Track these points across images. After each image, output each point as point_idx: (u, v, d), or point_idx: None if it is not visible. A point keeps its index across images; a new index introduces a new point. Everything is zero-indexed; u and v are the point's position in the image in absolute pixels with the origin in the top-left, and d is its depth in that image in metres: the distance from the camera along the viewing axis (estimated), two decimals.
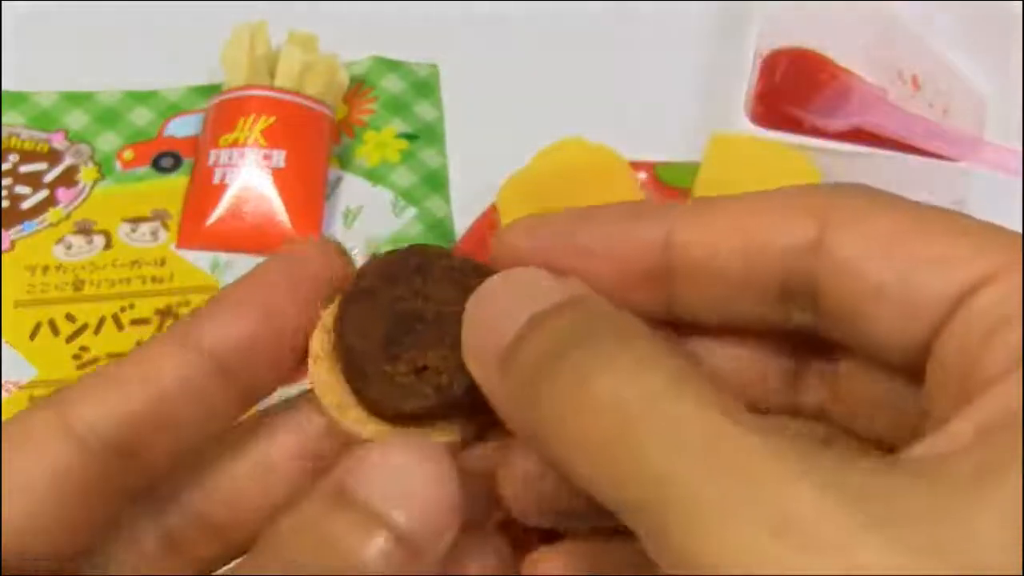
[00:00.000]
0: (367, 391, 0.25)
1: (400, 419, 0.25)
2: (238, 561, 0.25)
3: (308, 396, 0.27)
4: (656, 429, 0.20)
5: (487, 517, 0.27)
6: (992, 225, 0.23)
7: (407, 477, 0.24)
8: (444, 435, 0.26)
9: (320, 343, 0.26)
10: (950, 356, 0.22)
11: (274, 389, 0.27)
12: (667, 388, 0.20)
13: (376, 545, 0.23)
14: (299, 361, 0.26)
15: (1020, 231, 0.23)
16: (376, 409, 0.25)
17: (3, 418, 0.47)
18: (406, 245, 0.27)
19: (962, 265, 0.22)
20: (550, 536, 0.43)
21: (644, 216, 0.25)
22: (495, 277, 0.24)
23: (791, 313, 0.24)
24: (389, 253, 0.27)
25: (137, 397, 0.25)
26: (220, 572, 0.25)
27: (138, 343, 0.51)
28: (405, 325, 0.25)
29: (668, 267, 0.25)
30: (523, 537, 0.42)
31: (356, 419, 0.26)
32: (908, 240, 0.22)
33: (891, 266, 0.22)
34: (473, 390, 0.25)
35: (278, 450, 0.27)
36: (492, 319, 0.24)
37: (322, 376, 0.26)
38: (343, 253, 0.27)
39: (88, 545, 0.25)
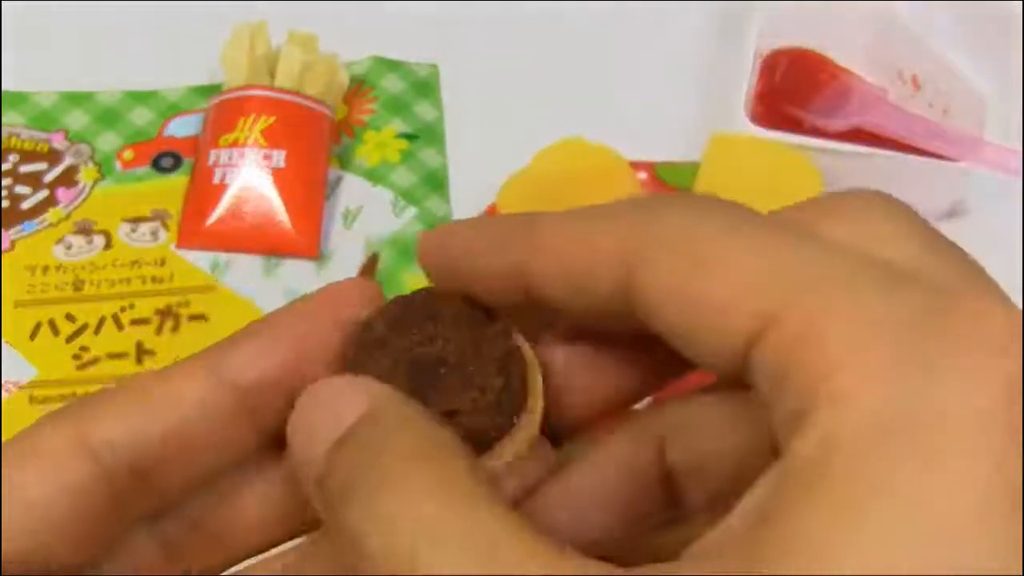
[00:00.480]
0: None
1: None
2: (237, 568, 0.25)
3: None
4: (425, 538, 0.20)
5: None
6: (789, 245, 0.21)
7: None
8: None
9: None
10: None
11: None
12: (440, 511, 0.21)
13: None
14: None
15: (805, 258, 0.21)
16: None
17: (3, 418, 0.47)
18: (411, 291, 0.27)
19: (739, 313, 0.21)
20: None
21: (503, 241, 0.25)
22: (303, 398, 0.25)
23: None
24: (394, 300, 0.27)
25: (158, 418, 0.25)
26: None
27: (138, 343, 0.51)
28: (427, 371, 0.25)
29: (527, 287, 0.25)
30: None
31: None
32: (694, 285, 0.21)
33: (683, 317, 0.22)
34: (505, 429, 0.25)
35: (278, 461, 0.27)
36: (304, 444, 0.24)
37: None
38: (376, 294, 0.27)
39: (90, 558, 0.25)
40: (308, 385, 0.25)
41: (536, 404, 0.26)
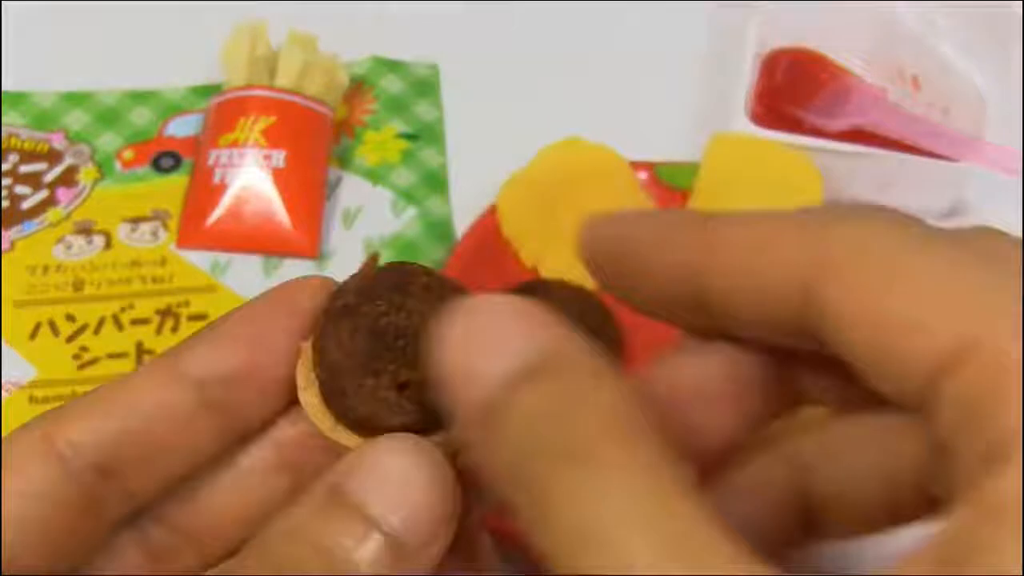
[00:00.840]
0: (348, 406, 0.25)
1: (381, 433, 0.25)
2: (226, 563, 0.25)
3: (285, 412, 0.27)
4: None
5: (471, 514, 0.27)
6: (988, 272, 0.20)
7: (403, 480, 0.24)
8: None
9: (304, 373, 0.26)
10: (942, 437, 0.20)
11: (260, 421, 0.27)
12: (642, 503, 0.19)
13: (368, 548, 0.23)
14: (285, 394, 0.27)
15: (1017, 278, 0.20)
16: (357, 424, 0.25)
17: (3, 418, 0.47)
18: (384, 263, 0.27)
19: (935, 334, 0.20)
20: None
21: (675, 238, 0.24)
22: (461, 309, 0.23)
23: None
24: (365, 269, 0.27)
25: (119, 418, 0.25)
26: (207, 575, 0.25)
27: (138, 343, 0.51)
28: (386, 341, 0.25)
29: (703, 294, 0.24)
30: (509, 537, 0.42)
31: (348, 438, 0.26)
32: (885, 301, 0.20)
33: (874, 334, 0.21)
34: None
35: (256, 462, 0.27)
36: (464, 361, 0.22)
37: (313, 401, 0.26)
38: (329, 286, 0.27)
39: (72, 563, 0.25)
40: (468, 298, 0.23)
41: None
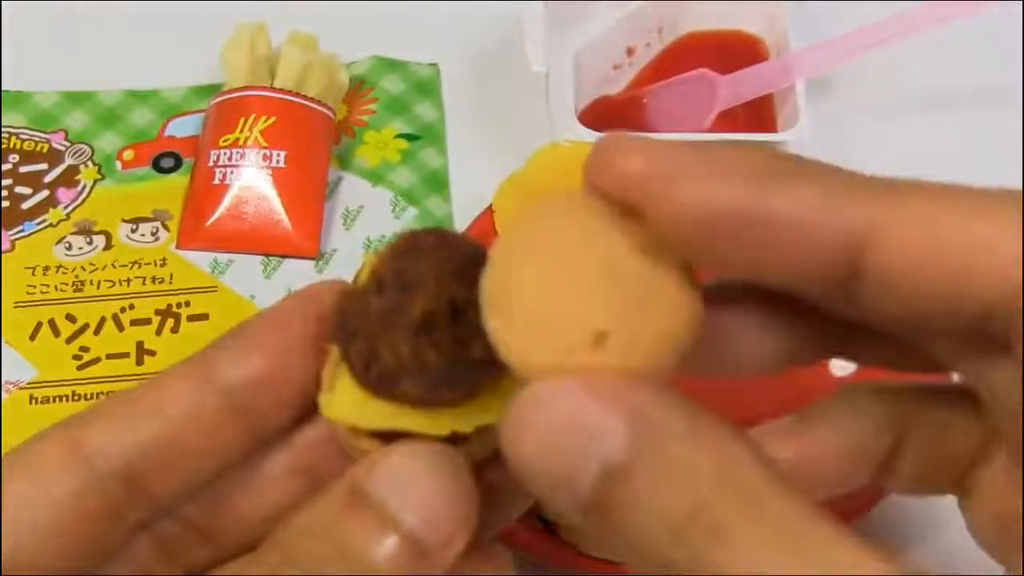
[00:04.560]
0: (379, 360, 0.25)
1: (406, 396, 0.25)
2: (245, 558, 0.25)
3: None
4: None
5: (491, 523, 0.27)
6: None
7: (424, 482, 0.24)
8: (453, 421, 0.25)
9: (329, 375, 0.26)
10: None
11: (284, 425, 0.27)
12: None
13: (387, 547, 0.23)
14: (311, 399, 0.27)
15: None
16: (385, 381, 0.25)
17: (3, 418, 0.47)
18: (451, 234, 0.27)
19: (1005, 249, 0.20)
20: (552, 538, 0.43)
21: (837, 203, 0.22)
22: (530, 398, 0.22)
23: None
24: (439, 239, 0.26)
25: (147, 426, 0.25)
26: (223, 573, 0.25)
27: (138, 343, 0.51)
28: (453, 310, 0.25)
29: (856, 267, 0.22)
30: (516, 539, 0.42)
31: (369, 443, 0.26)
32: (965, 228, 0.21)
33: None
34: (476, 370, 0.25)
35: (275, 464, 0.27)
36: (554, 466, 0.21)
37: (333, 403, 0.26)
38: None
39: (89, 565, 0.25)
40: (528, 392, 0.22)
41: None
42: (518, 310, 0.23)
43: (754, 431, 0.27)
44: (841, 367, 0.43)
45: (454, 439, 0.25)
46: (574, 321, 0.22)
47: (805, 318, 0.26)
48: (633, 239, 0.23)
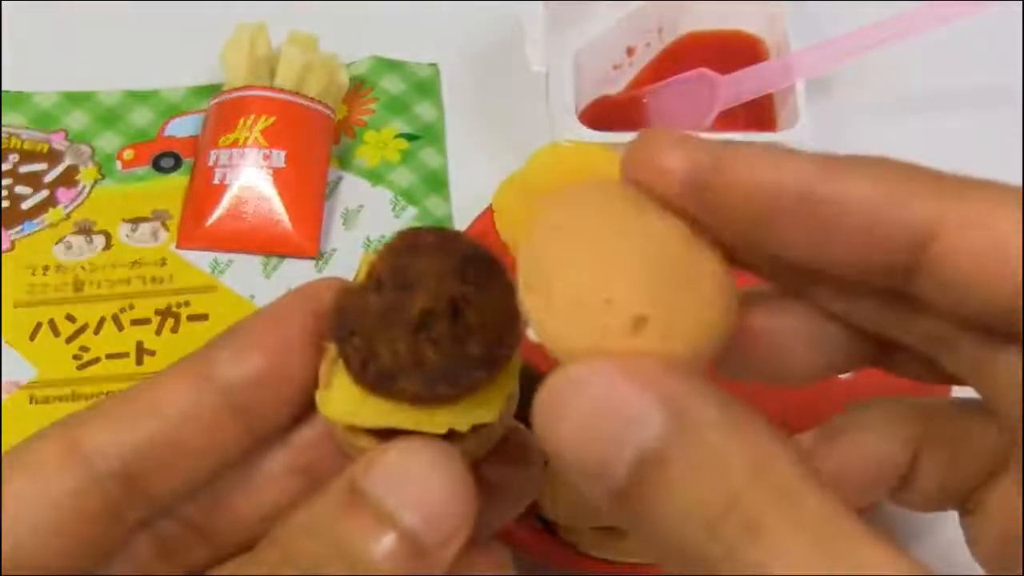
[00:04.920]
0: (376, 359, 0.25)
1: (403, 393, 0.25)
2: (243, 557, 0.25)
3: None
4: None
5: (490, 521, 0.27)
6: None
7: (421, 480, 0.24)
8: (451, 418, 0.25)
9: (327, 372, 0.26)
10: None
11: (283, 424, 0.27)
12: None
13: (385, 545, 0.23)
14: (305, 396, 0.26)
15: None
16: (383, 380, 0.25)
17: (3, 418, 0.47)
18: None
19: None
20: (552, 538, 0.43)
21: (904, 200, 0.22)
22: (564, 380, 0.21)
23: None
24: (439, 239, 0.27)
25: (145, 426, 0.25)
26: (221, 572, 0.25)
27: (138, 343, 0.51)
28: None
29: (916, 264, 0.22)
30: (516, 539, 0.42)
31: (366, 441, 0.26)
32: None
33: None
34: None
35: (272, 463, 0.27)
36: (590, 451, 0.21)
37: (330, 401, 0.26)
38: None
39: (89, 565, 0.25)
40: (563, 374, 0.22)
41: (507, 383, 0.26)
42: (557, 290, 0.23)
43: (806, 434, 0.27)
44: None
45: (451, 436, 0.25)
46: (613, 304, 0.22)
47: (844, 330, 0.26)
48: (671, 230, 0.23)
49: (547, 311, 0.23)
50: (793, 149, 0.23)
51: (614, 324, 0.22)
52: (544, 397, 0.22)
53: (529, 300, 0.23)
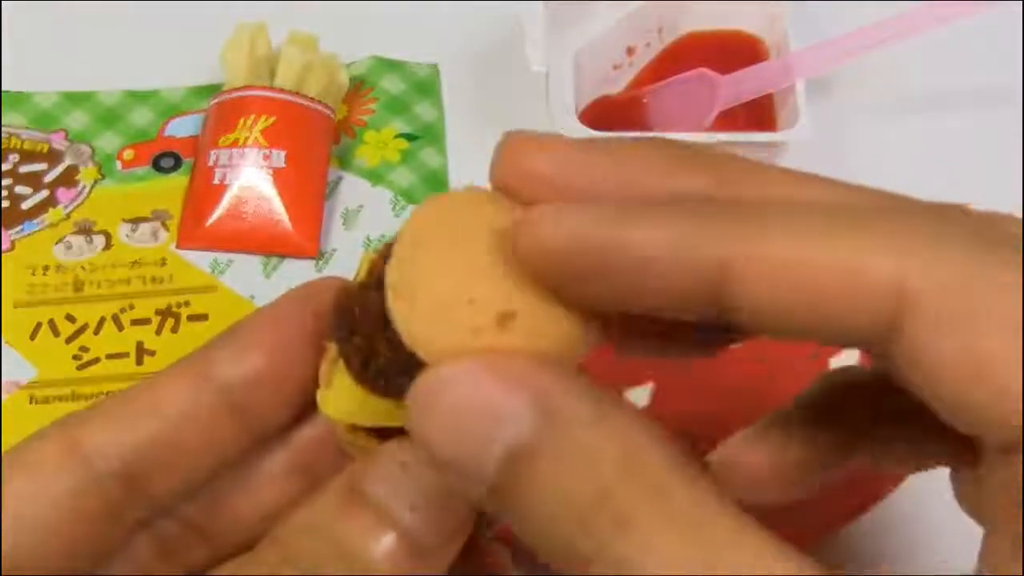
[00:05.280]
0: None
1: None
2: (243, 557, 0.25)
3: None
4: None
5: (489, 521, 0.27)
6: None
7: (420, 479, 0.24)
8: None
9: (327, 372, 0.26)
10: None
11: (283, 424, 0.27)
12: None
13: (385, 545, 0.23)
14: (305, 396, 0.26)
15: None
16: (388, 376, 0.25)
17: (3, 418, 0.47)
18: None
19: None
20: None
21: (701, 232, 0.21)
22: (434, 379, 0.22)
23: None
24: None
25: (145, 426, 0.25)
26: (221, 572, 0.25)
27: (138, 343, 0.51)
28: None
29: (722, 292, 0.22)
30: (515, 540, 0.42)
31: (366, 440, 0.26)
32: (1005, 362, 0.19)
33: (981, 393, 0.19)
34: None
35: (272, 463, 0.27)
36: (458, 450, 0.21)
37: (330, 400, 0.26)
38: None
39: (89, 565, 0.25)
40: (431, 373, 0.22)
41: None
42: (421, 294, 0.23)
43: (732, 439, 0.27)
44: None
45: None
46: (476, 303, 0.22)
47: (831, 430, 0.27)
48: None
49: (412, 315, 0.23)
50: (614, 174, 0.23)
51: (479, 323, 0.22)
52: (414, 397, 0.22)
53: (395, 306, 0.23)
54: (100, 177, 0.56)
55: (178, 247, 0.54)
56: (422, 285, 0.23)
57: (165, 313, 0.52)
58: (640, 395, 0.47)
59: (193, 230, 0.54)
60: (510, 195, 0.24)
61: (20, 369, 0.50)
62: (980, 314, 0.19)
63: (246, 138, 0.54)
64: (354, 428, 0.26)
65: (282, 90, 0.55)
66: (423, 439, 0.21)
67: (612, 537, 0.20)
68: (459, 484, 0.21)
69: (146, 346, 0.51)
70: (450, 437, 0.21)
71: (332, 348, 0.26)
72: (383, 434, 0.25)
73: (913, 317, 0.20)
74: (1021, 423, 0.19)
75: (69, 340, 0.51)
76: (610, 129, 0.52)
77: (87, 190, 0.56)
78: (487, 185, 0.25)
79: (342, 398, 0.26)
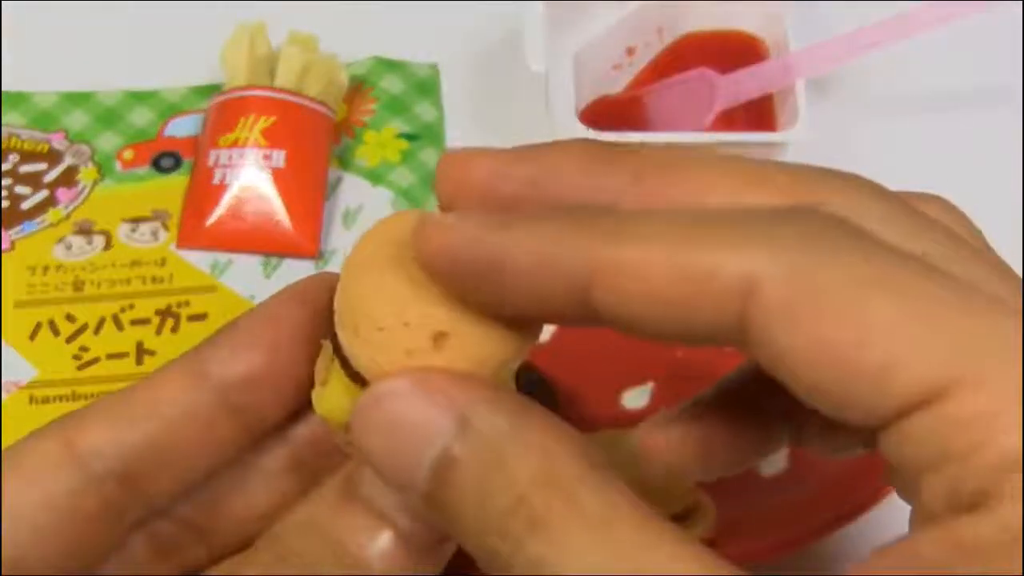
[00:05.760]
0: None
1: None
2: (239, 556, 0.25)
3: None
4: None
5: None
6: (949, 302, 0.20)
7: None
8: None
9: (323, 369, 0.26)
10: (910, 459, 0.20)
11: (279, 422, 0.27)
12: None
13: (380, 544, 0.23)
14: (301, 394, 0.26)
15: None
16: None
17: (3, 418, 0.47)
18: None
19: (899, 381, 0.19)
20: None
21: (566, 241, 0.22)
22: (368, 396, 0.23)
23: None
24: None
25: (142, 426, 0.25)
26: (217, 572, 0.25)
27: (138, 343, 0.51)
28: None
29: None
30: None
31: None
32: (841, 343, 0.20)
33: (822, 375, 0.20)
34: None
35: (269, 462, 0.27)
36: (390, 455, 0.23)
37: (325, 399, 0.26)
38: None
39: (86, 564, 0.25)
40: (370, 390, 0.23)
41: None
42: (361, 321, 0.24)
43: (652, 418, 0.28)
44: None
45: None
46: (412, 325, 0.24)
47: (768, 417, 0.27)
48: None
49: (356, 343, 0.24)
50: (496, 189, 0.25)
51: (415, 345, 0.24)
52: (354, 414, 0.23)
53: (342, 336, 0.25)
54: (100, 177, 0.56)
55: (178, 247, 0.54)
56: (361, 312, 0.24)
57: (165, 313, 0.52)
58: (640, 395, 0.47)
59: (193, 230, 0.54)
60: (451, 210, 0.25)
61: (20, 369, 0.50)
62: (818, 303, 0.20)
63: (246, 138, 0.54)
64: (349, 427, 0.26)
65: (282, 90, 0.55)
66: (365, 453, 0.23)
67: (527, 538, 0.21)
68: (401, 494, 0.23)
69: (146, 346, 0.51)
70: (386, 450, 0.23)
71: (327, 347, 0.26)
72: None
73: (758, 312, 0.20)
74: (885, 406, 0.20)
75: (69, 340, 0.51)
76: (610, 129, 0.52)
77: (87, 190, 0.56)
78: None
79: (337, 396, 0.26)
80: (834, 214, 0.21)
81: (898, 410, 0.20)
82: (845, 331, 0.20)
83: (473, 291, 0.23)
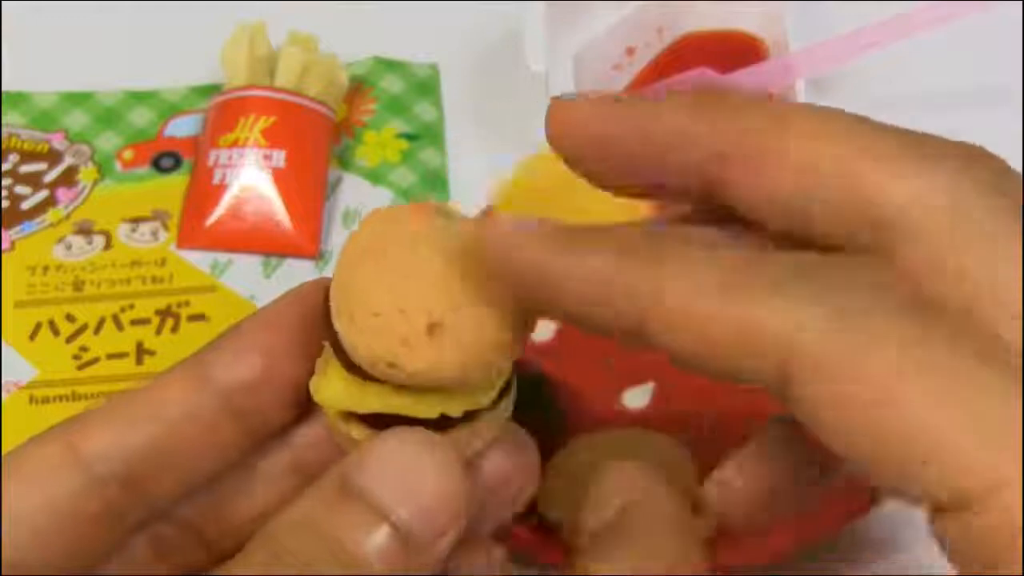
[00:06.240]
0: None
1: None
2: (234, 559, 0.25)
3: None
4: None
5: (486, 520, 0.27)
6: (989, 388, 0.19)
7: (413, 472, 0.24)
8: (442, 404, 0.25)
9: (323, 368, 0.26)
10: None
11: (281, 425, 0.27)
12: None
13: (376, 540, 0.23)
14: (306, 397, 0.26)
15: None
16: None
17: (3, 418, 0.47)
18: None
19: (942, 476, 0.19)
20: (552, 537, 0.43)
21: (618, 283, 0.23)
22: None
23: None
24: None
25: (145, 429, 0.25)
26: (213, 574, 0.25)
27: (138, 343, 0.51)
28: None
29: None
30: (516, 539, 0.42)
31: (359, 431, 0.26)
32: (882, 423, 0.19)
33: (863, 449, 0.20)
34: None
35: (270, 464, 0.27)
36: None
37: (323, 387, 0.26)
38: None
39: (87, 566, 0.25)
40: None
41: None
42: (357, 308, 0.24)
43: (717, 473, 0.28)
44: None
45: (445, 430, 0.25)
46: (408, 312, 0.24)
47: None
48: (463, 244, 0.25)
49: (352, 330, 0.24)
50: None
51: (410, 331, 0.24)
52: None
53: (338, 325, 0.25)
54: (100, 177, 0.56)
55: (178, 247, 0.54)
56: (357, 299, 0.24)
57: (165, 313, 0.52)
58: (640, 395, 0.47)
59: (193, 230, 0.54)
60: (562, 153, 0.26)
61: (20, 369, 0.50)
62: (860, 379, 0.20)
63: (246, 138, 0.54)
64: (347, 419, 0.26)
65: (282, 90, 0.55)
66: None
67: None
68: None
69: (146, 346, 0.51)
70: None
71: (327, 348, 0.26)
72: (377, 425, 0.25)
73: (801, 373, 0.20)
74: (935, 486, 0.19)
75: (69, 340, 0.51)
76: None
77: (87, 190, 0.56)
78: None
79: (334, 385, 0.26)
80: (889, 269, 0.22)
81: (943, 506, 0.19)
82: (888, 419, 0.19)
83: (526, 300, 0.24)
